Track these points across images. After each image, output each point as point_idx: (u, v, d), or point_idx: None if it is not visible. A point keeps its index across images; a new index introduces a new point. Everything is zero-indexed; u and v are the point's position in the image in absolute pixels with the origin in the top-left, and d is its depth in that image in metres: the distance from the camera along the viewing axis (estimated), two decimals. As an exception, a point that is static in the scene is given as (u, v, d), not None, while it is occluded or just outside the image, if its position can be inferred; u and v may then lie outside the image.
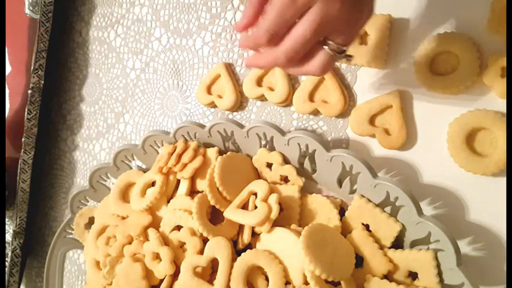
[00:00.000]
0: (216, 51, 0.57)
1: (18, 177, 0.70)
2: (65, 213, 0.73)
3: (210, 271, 0.45)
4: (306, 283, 0.39)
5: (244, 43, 0.37)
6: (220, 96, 0.56)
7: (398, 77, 0.45)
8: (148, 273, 0.48)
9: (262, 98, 0.52)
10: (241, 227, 0.45)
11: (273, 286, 0.40)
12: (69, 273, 0.72)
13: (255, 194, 0.44)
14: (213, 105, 0.57)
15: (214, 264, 0.45)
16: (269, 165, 0.48)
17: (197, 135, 0.50)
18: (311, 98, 0.49)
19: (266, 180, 0.47)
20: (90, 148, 0.71)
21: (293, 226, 0.43)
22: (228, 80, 0.55)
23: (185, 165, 0.49)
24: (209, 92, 0.57)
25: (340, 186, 0.43)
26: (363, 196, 0.41)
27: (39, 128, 0.69)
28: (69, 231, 0.61)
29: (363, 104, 0.47)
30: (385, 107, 0.45)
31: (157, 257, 0.48)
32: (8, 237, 0.74)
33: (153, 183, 0.51)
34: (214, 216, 0.47)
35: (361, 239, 0.40)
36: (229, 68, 0.56)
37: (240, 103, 0.55)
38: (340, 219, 0.42)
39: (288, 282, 0.41)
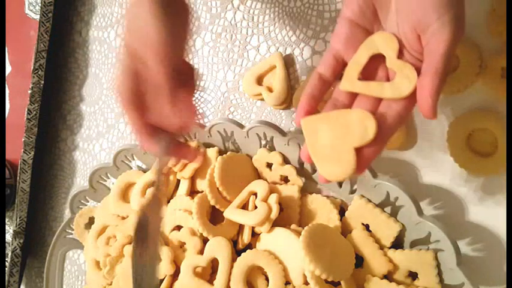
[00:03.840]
0: (216, 51, 0.57)
1: (18, 177, 0.70)
2: (65, 213, 0.73)
3: (210, 271, 0.45)
4: (306, 283, 0.39)
5: None
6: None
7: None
8: (148, 273, 0.48)
9: (260, 97, 0.52)
10: (241, 227, 0.45)
11: (273, 286, 0.40)
12: (69, 273, 0.72)
13: (255, 194, 0.44)
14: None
15: (214, 264, 0.45)
16: (269, 165, 0.47)
17: (197, 135, 0.50)
18: (311, 98, 0.49)
19: (266, 180, 0.47)
20: (90, 148, 0.71)
21: (293, 226, 0.43)
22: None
23: (185, 165, 0.49)
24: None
25: (340, 186, 0.43)
26: (363, 196, 0.41)
27: (39, 128, 0.69)
28: (69, 231, 0.61)
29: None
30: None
31: (157, 257, 0.48)
32: (8, 237, 0.74)
33: (153, 183, 0.51)
34: (214, 216, 0.47)
35: (361, 239, 0.40)
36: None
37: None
38: (340, 219, 0.42)
39: (288, 282, 0.41)
